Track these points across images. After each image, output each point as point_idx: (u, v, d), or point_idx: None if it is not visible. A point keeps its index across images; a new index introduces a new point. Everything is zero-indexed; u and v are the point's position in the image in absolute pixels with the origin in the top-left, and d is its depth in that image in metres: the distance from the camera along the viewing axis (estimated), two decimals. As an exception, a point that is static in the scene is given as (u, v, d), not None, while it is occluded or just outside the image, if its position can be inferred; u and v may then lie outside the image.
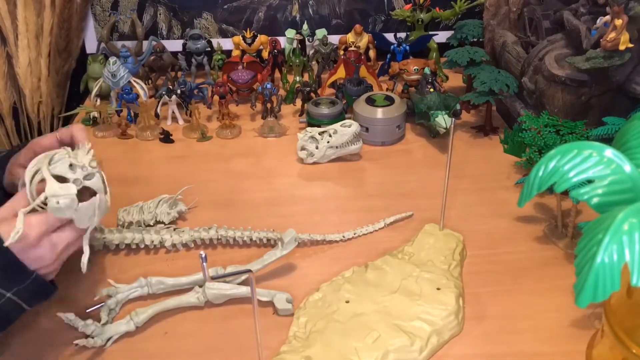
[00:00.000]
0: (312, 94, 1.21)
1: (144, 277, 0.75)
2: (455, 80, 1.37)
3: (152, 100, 1.25)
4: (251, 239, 0.84)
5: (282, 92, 1.31)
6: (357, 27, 1.36)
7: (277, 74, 1.36)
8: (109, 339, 0.68)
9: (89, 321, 0.69)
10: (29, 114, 1.35)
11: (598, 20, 0.94)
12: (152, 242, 0.83)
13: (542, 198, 0.93)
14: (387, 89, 1.29)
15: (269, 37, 1.34)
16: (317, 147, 1.04)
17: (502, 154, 0.96)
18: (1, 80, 1.28)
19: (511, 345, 0.68)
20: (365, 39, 1.37)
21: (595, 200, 0.56)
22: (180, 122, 1.22)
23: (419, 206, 0.92)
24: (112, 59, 1.17)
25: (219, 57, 1.35)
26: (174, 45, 1.40)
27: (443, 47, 1.31)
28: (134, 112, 1.21)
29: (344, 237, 0.86)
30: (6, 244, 0.58)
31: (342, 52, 1.31)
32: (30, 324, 0.72)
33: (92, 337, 0.67)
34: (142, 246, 0.84)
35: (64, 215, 0.61)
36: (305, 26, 1.39)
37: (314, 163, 1.06)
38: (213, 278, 0.72)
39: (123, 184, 1.00)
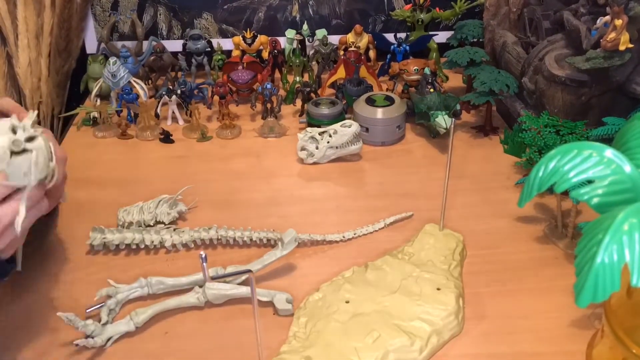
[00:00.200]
0: (312, 94, 1.21)
1: (144, 277, 0.75)
2: (455, 80, 1.37)
3: (152, 101, 1.25)
4: (251, 239, 0.84)
5: (282, 92, 1.31)
6: (357, 27, 1.36)
7: (277, 74, 1.36)
8: (109, 339, 0.68)
9: (89, 321, 0.69)
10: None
11: (598, 21, 0.94)
12: (152, 242, 0.83)
13: (542, 198, 0.93)
14: (387, 89, 1.29)
15: (269, 37, 1.34)
16: (317, 147, 1.04)
17: (502, 154, 0.96)
18: (1, 80, 1.28)
19: (511, 345, 0.68)
20: (365, 39, 1.37)
21: (595, 200, 0.56)
22: (180, 122, 1.22)
23: (419, 206, 0.92)
24: (112, 59, 1.17)
25: (219, 57, 1.35)
26: (174, 45, 1.40)
27: (443, 47, 1.31)
28: (134, 112, 1.21)
29: (344, 237, 0.86)
30: None
31: (342, 53, 1.31)
32: (30, 324, 0.72)
33: (92, 337, 0.67)
34: (142, 246, 0.84)
35: None
36: (305, 26, 1.39)
37: (314, 163, 1.06)
38: (213, 278, 0.72)
39: (123, 184, 1.00)
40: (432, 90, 1.11)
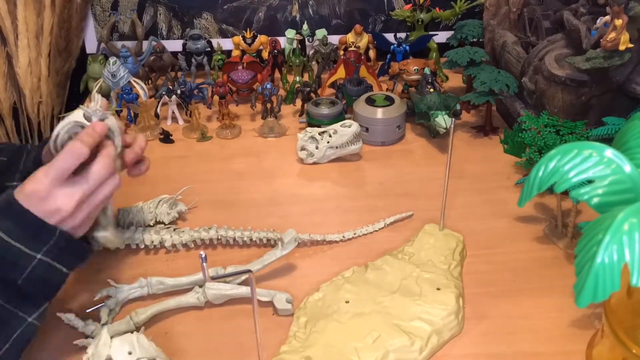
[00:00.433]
0: (312, 94, 1.21)
1: (144, 277, 0.75)
2: (455, 80, 1.37)
3: (152, 101, 1.25)
4: (251, 239, 0.84)
5: (282, 92, 1.31)
6: (357, 27, 1.36)
7: (277, 74, 1.36)
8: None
9: (89, 321, 0.69)
10: (29, 114, 1.35)
11: (598, 20, 0.94)
12: (152, 242, 0.83)
13: (542, 198, 0.93)
14: (387, 89, 1.29)
15: (269, 37, 1.34)
16: (317, 147, 1.04)
17: (502, 154, 0.96)
18: (1, 80, 1.28)
19: (511, 345, 0.68)
20: (365, 39, 1.37)
21: (595, 200, 0.56)
22: (180, 122, 1.22)
23: (419, 206, 0.92)
24: (112, 59, 1.17)
25: (219, 57, 1.35)
26: (174, 45, 1.40)
27: (443, 47, 1.31)
28: (134, 112, 1.21)
29: (344, 237, 0.86)
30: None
31: (342, 52, 1.31)
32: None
33: (92, 337, 0.67)
34: (142, 246, 0.84)
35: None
36: (305, 26, 1.39)
37: (314, 163, 1.06)
38: (213, 278, 0.72)
39: (123, 184, 0.99)
40: (432, 90, 1.11)
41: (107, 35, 1.34)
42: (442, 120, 1.05)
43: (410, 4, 1.36)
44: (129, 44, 1.36)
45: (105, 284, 0.76)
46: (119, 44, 1.35)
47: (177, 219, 0.90)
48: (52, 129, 1.38)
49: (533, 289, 0.76)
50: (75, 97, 1.41)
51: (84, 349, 0.67)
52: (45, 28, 1.30)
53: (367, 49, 1.39)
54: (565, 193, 0.63)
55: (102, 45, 1.35)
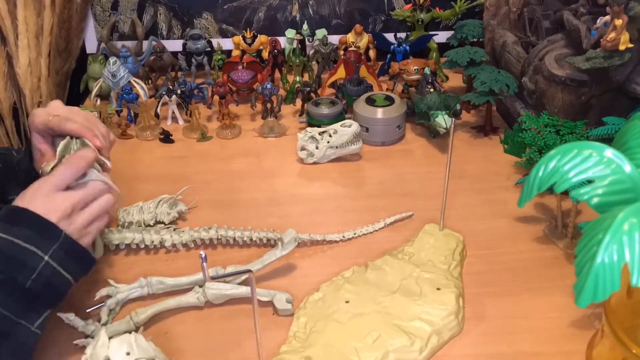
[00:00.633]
0: (312, 94, 1.21)
1: (144, 277, 0.75)
2: (455, 80, 1.37)
3: (152, 100, 1.25)
4: (251, 239, 0.84)
5: (282, 92, 1.31)
6: (357, 27, 1.36)
7: (277, 74, 1.36)
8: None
9: (89, 321, 0.69)
10: (29, 114, 1.35)
11: (598, 20, 0.94)
12: (152, 242, 0.83)
13: (542, 198, 0.93)
14: (387, 89, 1.29)
15: (269, 37, 1.34)
16: (317, 147, 1.04)
17: (502, 154, 0.96)
18: (1, 80, 1.28)
19: (511, 345, 0.68)
20: (365, 39, 1.37)
21: (595, 200, 0.56)
22: (180, 122, 1.22)
23: (419, 206, 0.92)
24: (112, 59, 1.17)
25: (219, 57, 1.35)
26: (174, 45, 1.40)
27: (443, 47, 1.31)
28: (134, 112, 1.21)
29: (344, 237, 0.86)
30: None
31: (342, 52, 1.31)
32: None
33: (92, 337, 0.67)
34: (142, 246, 0.84)
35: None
36: (305, 26, 1.39)
37: (314, 163, 1.06)
38: (213, 278, 0.72)
39: (123, 184, 0.99)
40: (432, 90, 1.11)
41: (107, 35, 1.34)
42: (442, 120, 1.05)
43: (410, 4, 1.36)
44: (129, 44, 1.36)
45: (105, 284, 0.76)
46: (119, 44, 1.35)
47: (177, 219, 0.90)
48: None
49: (533, 289, 0.76)
50: (75, 97, 1.41)
51: (84, 348, 0.67)
52: (45, 28, 1.30)
53: (367, 49, 1.39)
54: (565, 193, 0.63)
55: (102, 45, 1.35)
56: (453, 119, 0.79)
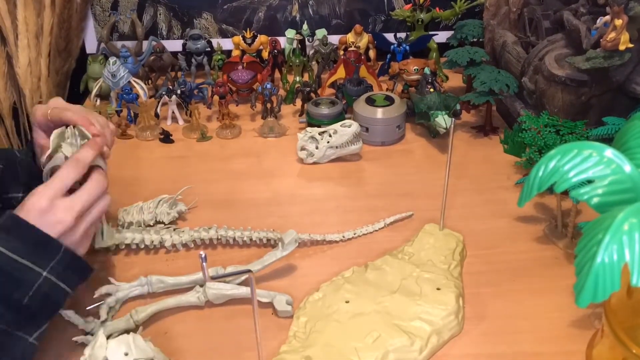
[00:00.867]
0: (312, 94, 1.21)
1: (144, 277, 0.75)
2: (455, 80, 1.37)
3: (152, 100, 1.25)
4: (251, 239, 0.84)
5: (282, 92, 1.31)
6: (357, 27, 1.36)
7: (277, 74, 1.36)
8: (108, 337, 0.68)
9: (89, 319, 0.69)
10: (29, 114, 1.35)
11: (598, 20, 0.94)
12: (152, 242, 0.83)
13: (542, 198, 0.93)
14: (387, 89, 1.29)
15: (269, 37, 1.34)
16: (317, 147, 1.04)
17: (502, 154, 0.96)
18: (1, 80, 1.28)
19: (511, 345, 0.68)
20: (365, 39, 1.37)
21: (595, 200, 0.56)
22: (180, 122, 1.22)
23: (419, 206, 0.92)
24: (112, 59, 1.17)
25: (219, 57, 1.35)
26: (174, 45, 1.40)
27: (443, 47, 1.31)
28: (134, 112, 1.21)
29: (344, 237, 0.86)
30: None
31: (342, 52, 1.31)
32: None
33: (92, 334, 0.67)
34: (142, 246, 0.84)
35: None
36: (305, 26, 1.39)
37: (314, 163, 1.06)
38: (213, 278, 0.72)
39: (123, 184, 1.00)
40: (432, 90, 1.11)
41: (107, 35, 1.34)
42: (442, 120, 1.05)
43: (410, 4, 1.36)
44: (129, 44, 1.36)
45: (105, 282, 0.76)
46: (119, 44, 1.35)
47: (177, 219, 0.90)
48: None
49: (533, 289, 0.76)
50: (75, 97, 1.41)
51: (83, 345, 0.67)
52: (45, 28, 1.30)
53: (367, 49, 1.39)
54: (565, 193, 0.63)
55: (102, 45, 1.35)
56: (453, 119, 0.79)
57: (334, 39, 1.38)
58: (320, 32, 1.35)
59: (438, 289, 0.72)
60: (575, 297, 0.50)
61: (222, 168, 1.06)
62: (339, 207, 0.95)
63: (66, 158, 0.69)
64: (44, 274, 0.61)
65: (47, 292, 0.61)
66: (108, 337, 0.67)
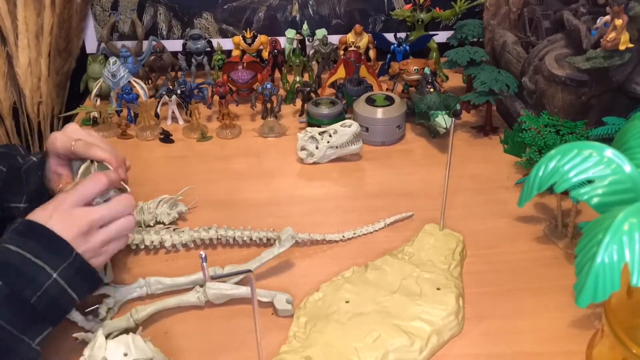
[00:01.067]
0: (312, 94, 1.21)
1: (143, 277, 0.75)
2: (455, 80, 1.37)
3: (152, 100, 1.25)
4: (251, 239, 0.84)
5: (282, 92, 1.31)
6: (357, 27, 1.36)
7: (277, 74, 1.36)
8: (108, 335, 0.68)
9: (89, 317, 0.69)
10: (29, 114, 1.35)
11: (598, 20, 0.94)
12: (152, 242, 0.83)
13: (542, 198, 0.93)
14: (387, 89, 1.29)
15: (269, 37, 1.34)
16: (317, 147, 1.04)
17: (502, 154, 0.96)
18: (1, 80, 1.29)
19: (511, 345, 0.68)
20: (365, 39, 1.37)
21: (595, 200, 0.56)
22: (180, 122, 1.22)
23: (419, 206, 0.92)
24: (112, 59, 1.17)
25: (219, 57, 1.35)
26: (174, 45, 1.40)
27: (443, 47, 1.31)
28: (134, 112, 1.21)
29: (343, 237, 0.86)
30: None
31: (342, 52, 1.31)
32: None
33: (92, 333, 0.67)
34: (142, 247, 0.84)
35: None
36: (305, 26, 1.39)
37: (314, 163, 1.06)
38: (213, 278, 0.71)
39: (123, 184, 1.00)
40: (432, 90, 1.11)
41: (107, 35, 1.34)
42: (442, 120, 1.05)
43: (410, 4, 1.36)
44: (129, 44, 1.36)
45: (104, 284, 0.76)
46: (119, 44, 1.35)
47: (177, 219, 0.90)
48: (52, 129, 1.39)
49: (533, 289, 0.76)
50: (75, 97, 1.41)
51: (82, 343, 0.67)
52: (45, 28, 1.30)
53: (367, 49, 1.39)
54: (565, 193, 0.63)
55: (102, 45, 1.35)
56: (453, 119, 0.79)
57: (334, 39, 1.38)
58: (320, 32, 1.35)
59: (438, 289, 0.72)
60: (575, 297, 0.50)
61: (222, 168, 1.06)
62: (339, 207, 0.95)
63: None
64: (54, 275, 0.61)
65: (55, 295, 0.61)
66: (107, 337, 0.67)
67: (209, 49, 1.35)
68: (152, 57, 1.30)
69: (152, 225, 0.87)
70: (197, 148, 1.14)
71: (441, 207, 0.81)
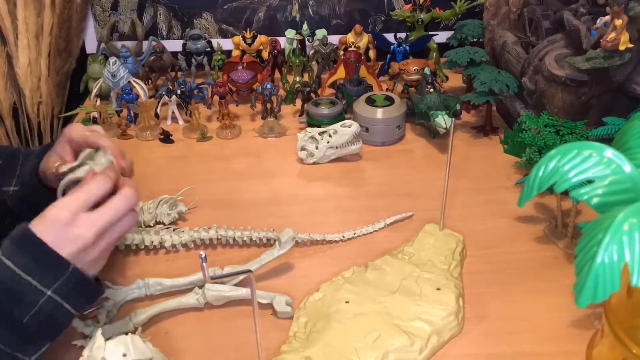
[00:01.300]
0: (312, 94, 1.21)
1: (143, 278, 0.75)
2: (455, 80, 1.37)
3: (152, 101, 1.25)
4: (251, 239, 0.84)
5: (282, 92, 1.31)
6: (357, 27, 1.35)
7: (277, 74, 1.36)
8: (107, 339, 0.68)
9: (88, 322, 0.69)
10: (29, 114, 1.35)
11: (598, 20, 0.94)
12: (152, 242, 0.83)
13: (542, 198, 0.93)
14: (387, 89, 1.29)
15: (269, 37, 1.34)
16: (317, 147, 1.04)
17: (502, 154, 0.96)
18: (1, 80, 1.28)
19: (511, 345, 0.68)
20: (365, 39, 1.37)
21: (595, 200, 0.56)
22: (180, 122, 1.22)
23: (419, 206, 0.92)
24: (112, 59, 1.17)
25: (219, 57, 1.35)
26: (174, 45, 1.40)
27: (443, 47, 1.31)
28: (134, 112, 1.21)
29: (343, 237, 0.86)
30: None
31: (342, 52, 1.31)
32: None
33: (90, 337, 0.67)
34: (142, 247, 0.84)
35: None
36: (305, 26, 1.39)
37: (314, 163, 1.06)
38: (213, 278, 0.72)
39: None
40: (432, 90, 1.11)
41: (107, 35, 1.34)
42: (442, 120, 1.05)
43: (410, 4, 1.36)
44: (129, 44, 1.36)
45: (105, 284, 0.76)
46: (119, 44, 1.35)
47: (177, 219, 0.90)
48: (52, 129, 1.39)
49: (533, 289, 0.76)
50: (75, 97, 1.41)
51: (81, 349, 0.67)
52: (45, 28, 1.29)
53: (367, 49, 1.39)
54: (565, 193, 0.63)
55: (102, 45, 1.35)
56: (453, 119, 0.79)
57: (334, 39, 1.38)
58: (320, 32, 1.35)
59: (438, 289, 0.72)
60: (575, 297, 0.50)
61: (222, 168, 1.06)
62: (339, 207, 0.95)
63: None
64: (48, 292, 0.57)
65: (50, 312, 0.57)
66: (106, 339, 0.67)
67: (209, 49, 1.35)
68: (152, 57, 1.30)
69: (152, 225, 0.87)
70: (197, 148, 1.14)
71: (441, 207, 0.81)
